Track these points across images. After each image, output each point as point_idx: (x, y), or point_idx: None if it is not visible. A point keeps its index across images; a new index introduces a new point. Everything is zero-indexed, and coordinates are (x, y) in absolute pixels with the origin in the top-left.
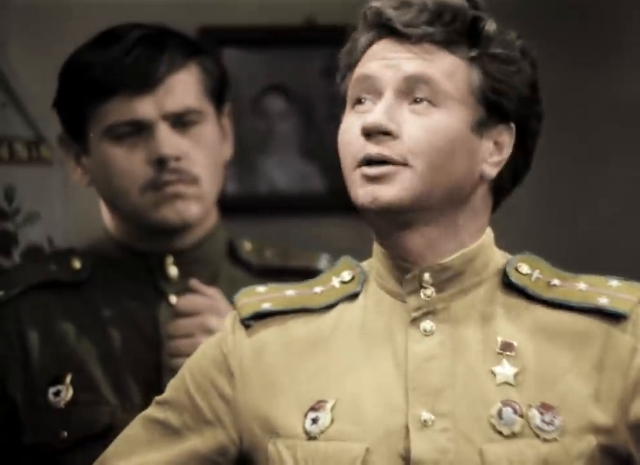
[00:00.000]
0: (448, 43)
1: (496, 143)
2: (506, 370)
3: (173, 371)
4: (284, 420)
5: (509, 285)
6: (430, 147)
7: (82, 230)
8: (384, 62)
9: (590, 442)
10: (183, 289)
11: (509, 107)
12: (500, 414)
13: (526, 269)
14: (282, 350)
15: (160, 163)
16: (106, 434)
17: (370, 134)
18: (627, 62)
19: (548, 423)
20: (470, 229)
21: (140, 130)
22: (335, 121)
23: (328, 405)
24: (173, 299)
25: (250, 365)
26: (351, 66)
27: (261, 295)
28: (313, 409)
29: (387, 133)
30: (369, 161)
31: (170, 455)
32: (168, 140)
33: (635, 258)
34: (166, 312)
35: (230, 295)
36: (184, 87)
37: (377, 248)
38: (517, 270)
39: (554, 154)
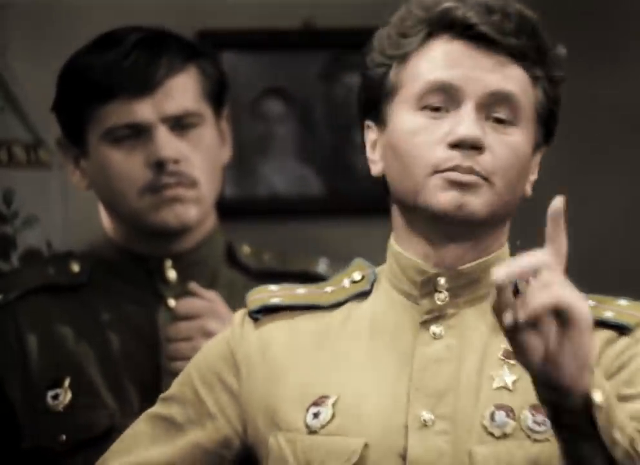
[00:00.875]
0: (522, 58)
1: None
2: (505, 376)
3: (173, 374)
4: (286, 413)
5: None
6: (510, 167)
7: (81, 234)
8: (465, 71)
9: None
10: (182, 292)
11: (554, 130)
12: (492, 416)
13: None
14: (289, 344)
15: (159, 166)
16: (105, 438)
17: (460, 145)
18: (627, 66)
19: (539, 424)
20: (497, 242)
21: (139, 133)
22: (333, 123)
23: (330, 401)
24: (172, 302)
25: (256, 358)
26: (401, 58)
27: (272, 292)
28: (315, 403)
29: (478, 147)
30: (454, 169)
31: (173, 449)
32: (167, 143)
33: (635, 260)
34: (165, 316)
35: (228, 298)
36: (183, 90)
37: (394, 246)
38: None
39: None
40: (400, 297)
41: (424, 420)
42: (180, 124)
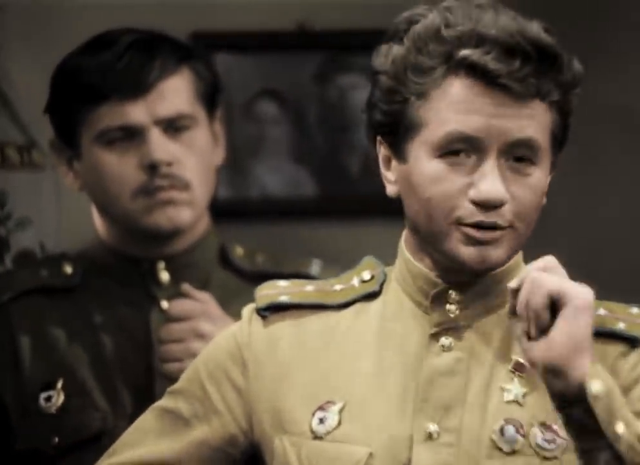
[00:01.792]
0: (541, 95)
1: None
2: (515, 389)
3: (165, 376)
4: (292, 415)
5: None
6: (533, 208)
7: (74, 236)
8: (486, 120)
9: None
10: (175, 294)
11: (567, 137)
12: (502, 431)
13: None
14: (296, 345)
15: (152, 168)
16: (98, 440)
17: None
18: (617, 66)
19: (549, 442)
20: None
21: (132, 135)
22: (327, 125)
23: (336, 407)
24: (164, 304)
25: (263, 356)
26: (419, 95)
27: (281, 288)
28: (321, 408)
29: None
30: (477, 226)
31: (180, 445)
32: (160, 145)
33: (635, 260)
34: (158, 317)
35: (221, 300)
36: (176, 92)
37: (404, 251)
38: None
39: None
40: (411, 304)
41: (430, 433)
42: (173, 126)
